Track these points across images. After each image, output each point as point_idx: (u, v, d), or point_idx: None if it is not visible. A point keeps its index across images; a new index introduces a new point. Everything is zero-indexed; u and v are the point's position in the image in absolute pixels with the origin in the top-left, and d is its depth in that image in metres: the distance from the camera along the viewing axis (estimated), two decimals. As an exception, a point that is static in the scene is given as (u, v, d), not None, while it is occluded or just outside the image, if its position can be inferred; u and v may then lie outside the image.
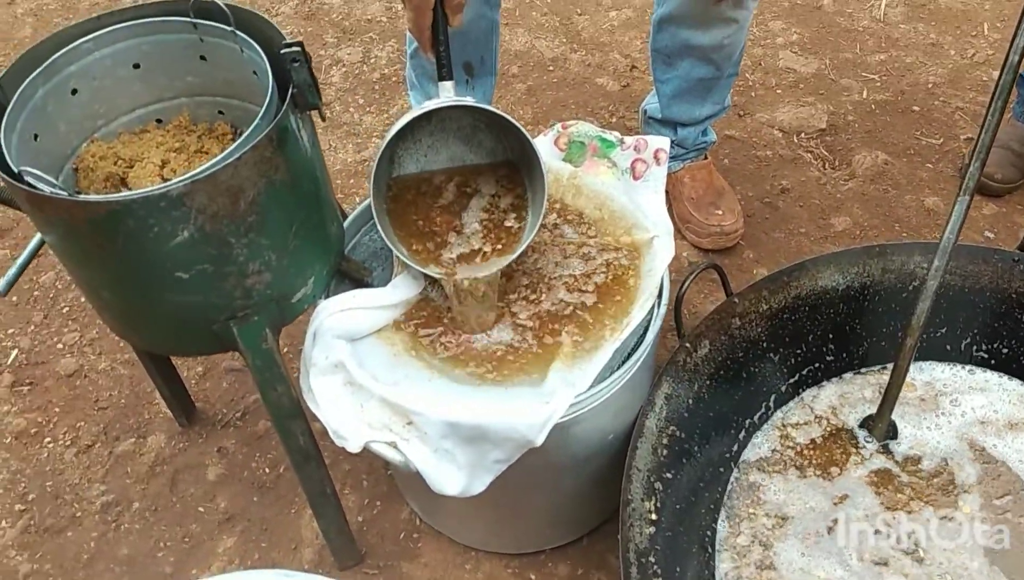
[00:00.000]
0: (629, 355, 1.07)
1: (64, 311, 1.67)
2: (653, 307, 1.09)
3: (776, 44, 2.14)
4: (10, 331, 1.64)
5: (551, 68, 2.14)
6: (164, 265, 0.87)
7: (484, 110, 1.06)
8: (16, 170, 0.83)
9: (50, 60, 0.95)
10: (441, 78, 1.07)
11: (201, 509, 1.37)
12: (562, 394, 0.97)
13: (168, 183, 0.81)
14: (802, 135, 1.91)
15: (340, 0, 2.39)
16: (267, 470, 1.42)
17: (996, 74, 2.01)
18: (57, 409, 1.51)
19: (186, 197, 0.81)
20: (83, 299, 1.68)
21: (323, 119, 0.97)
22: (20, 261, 0.96)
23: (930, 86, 2.01)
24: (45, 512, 1.38)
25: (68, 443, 1.47)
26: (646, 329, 1.08)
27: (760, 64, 2.08)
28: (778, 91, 2.02)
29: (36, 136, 0.95)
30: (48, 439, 1.47)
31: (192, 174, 0.81)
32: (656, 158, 1.24)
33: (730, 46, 1.51)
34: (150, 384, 1.53)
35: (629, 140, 1.25)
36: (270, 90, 0.91)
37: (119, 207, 0.80)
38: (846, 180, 1.81)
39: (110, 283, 0.92)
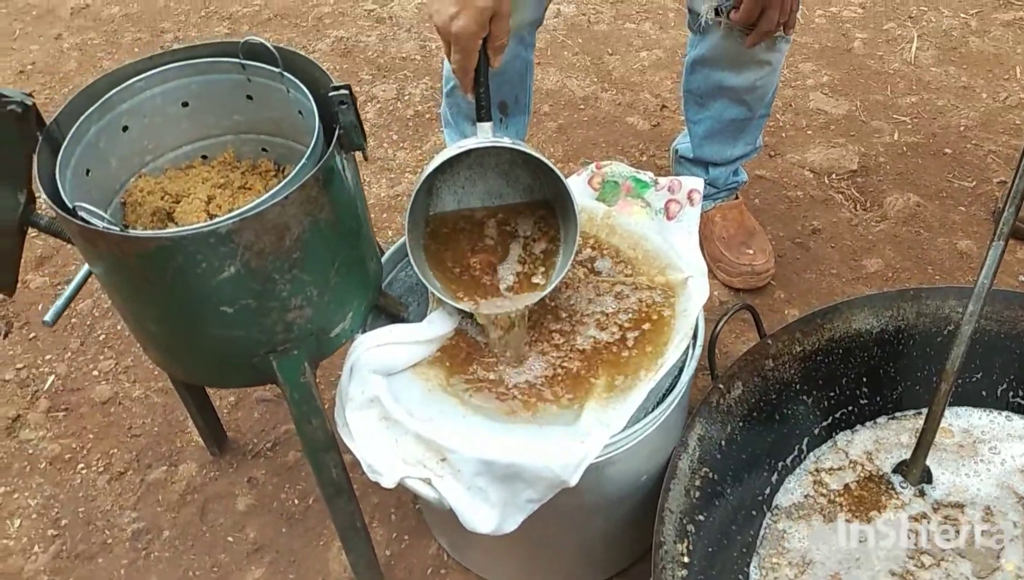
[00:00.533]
0: (663, 395, 1.06)
1: (100, 338, 1.69)
2: (688, 348, 1.09)
3: (807, 85, 2.15)
4: (47, 357, 1.67)
5: (582, 107, 2.16)
6: (210, 300, 0.89)
7: (521, 152, 1.07)
8: (71, 205, 0.85)
9: (104, 98, 0.99)
10: (480, 119, 1.09)
11: (230, 539, 1.38)
12: (597, 434, 0.97)
13: (217, 220, 0.83)
14: (833, 176, 1.91)
15: (376, 39, 2.44)
16: (296, 501, 1.42)
17: (1030, 118, 2.02)
18: (91, 435, 1.53)
19: (234, 234, 0.83)
20: (120, 326, 1.71)
21: (366, 159, 0.99)
22: (68, 293, 0.98)
23: (962, 129, 2.00)
24: (77, 538, 1.39)
25: (101, 470, 1.48)
26: (681, 370, 1.08)
27: (791, 105, 2.10)
28: (809, 132, 2.02)
29: (88, 171, 0.98)
30: (81, 465, 1.49)
31: (241, 212, 0.83)
32: (690, 199, 1.25)
33: (763, 88, 1.52)
34: (183, 413, 1.55)
35: (663, 181, 1.26)
36: (316, 130, 0.93)
37: (169, 243, 0.83)
38: (878, 222, 1.80)
39: (156, 316, 0.94)
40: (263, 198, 0.85)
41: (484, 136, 1.08)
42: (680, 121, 2.08)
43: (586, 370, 1.08)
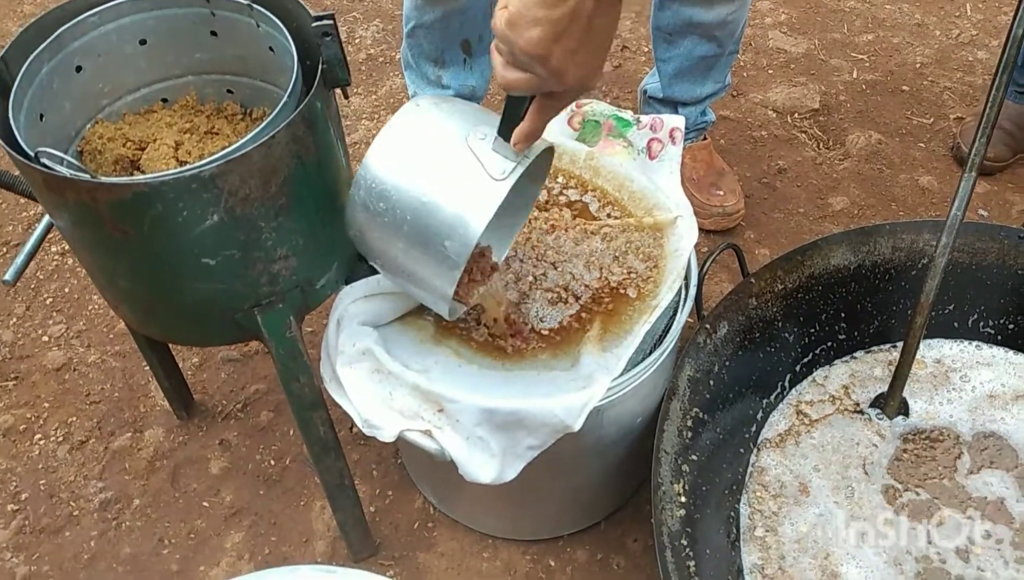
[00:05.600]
0: (659, 337, 1.05)
1: (48, 302, 1.59)
2: (680, 289, 1.08)
3: (766, 24, 2.14)
4: (-9, 324, 1.57)
5: (541, 48, 2.10)
6: (191, 251, 0.83)
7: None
8: (31, 152, 0.77)
9: (55, 35, 0.90)
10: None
11: (206, 504, 1.33)
12: (599, 378, 0.95)
13: (199, 164, 0.77)
14: (796, 115, 1.91)
15: (321, -22, 2.32)
16: (272, 462, 1.38)
17: (981, 54, 2.05)
18: (47, 404, 1.45)
19: (218, 179, 0.77)
20: (67, 289, 1.61)
21: (347, 97, 0.93)
22: (28, 248, 0.91)
23: (918, 66, 2.02)
24: (40, 511, 1.32)
25: (60, 439, 1.41)
26: (674, 310, 1.07)
27: (751, 44, 2.08)
28: (770, 71, 2.02)
29: (42, 116, 0.90)
30: (39, 436, 1.41)
31: (225, 153, 0.77)
32: (672, 137, 1.23)
33: (733, 23, 1.49)
34: (144, 376, 1.48)
35: (645, 119, 1.24)
36: (296, 66, 0.87)
37: (147, 189, 0.76)
38: (841, 160, 1.82)
39: (130, 271, 0.88)
40: (247, 138, 0.79)
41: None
42: (642, 62, 2.04)
43: (579, 314, 1.05)
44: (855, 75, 2.00)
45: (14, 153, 0.78)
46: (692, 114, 1.65)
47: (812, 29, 2.13)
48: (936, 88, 1.96)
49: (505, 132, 0.81)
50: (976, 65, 2.02)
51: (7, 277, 0.91)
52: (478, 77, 1.59)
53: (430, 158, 0.83)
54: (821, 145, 1.85)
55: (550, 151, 0.91)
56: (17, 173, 0.96)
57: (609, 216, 1.16)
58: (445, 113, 0.85)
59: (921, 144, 1.84)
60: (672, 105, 1.65)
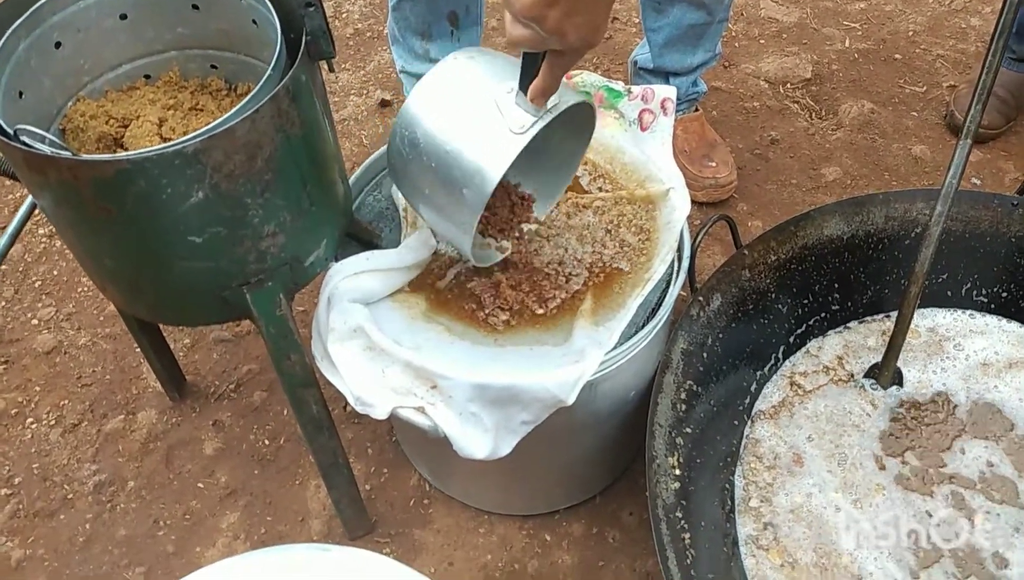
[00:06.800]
0: (652, 310, 1.04)
1: (36, 285, 1.58)
2: (673, 261, 1.07)
3: (757, -7, 2.12)
4: (-22, 308, 1.55)
5: (530, 21, 2.08)
6: (176, 229, 0.81)
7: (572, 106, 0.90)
8: (11, 130, 0.76)
9: (32, 9, 0.88)
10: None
11: (200, 485, 1.33)
12: (591, 352, 0.95)
13: (182, 139, 0.75)
14: (788, 85, 1.89)
15: (305, -48, 2.28)
16: (267, 442, 1.37)
17: (974, 21, 2.03)
18: (38, 388, 1.44)
19: (202, 154, 0.76)
20: (56, 272, 1.59)
21: (331, 70, 0.92)
22: (11, 230, 0.89)
23: (910, 34, 2.01)
24: (34, 495, 1.32)
25: (52, 423, 1.40)
26: (668, 282, 1.06)
27: (742, 14, 2.06)
28: (761, 41, 2.00)
29: (21, 93, 0.88)
30: (31, 419, 1.40)
31: (208, 129, 0.76)
32: (663, 108, 1.21)
33: None
34: (135, 358, 1.47)
35: (636, 89, 1.22)
36: (279, 39, 0.85)
37: (130, 166, 0.74)
38: (834, 130, 1.80)
39: (114, 250, 0.86)
40: (231, 113, 0.77)
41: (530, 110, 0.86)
42: (632, 33, 2.02)
43: (571, 288, 1.05)
44: (847, 44, 1.98)
45: (-7, 131, 0.77)
46: (683, 84, 1.63)
47: (804, -2, 2.11)
48: (929, 56, 1.95)
49: (524, 87, 0.84)
50: (969, 32, 2.00)
51: (-10, 259, 0.90)
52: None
53: (456, 110, 0.88)
54: (813, 115, 1.84)
55: (583, 106, 0.92)
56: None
57: (600, 189, 1.15)
58: (478, 66, 0.90)
59: (914, 113, 1.83)
60: (663, 75, 1.63)
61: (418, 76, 1.59)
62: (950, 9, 2.07)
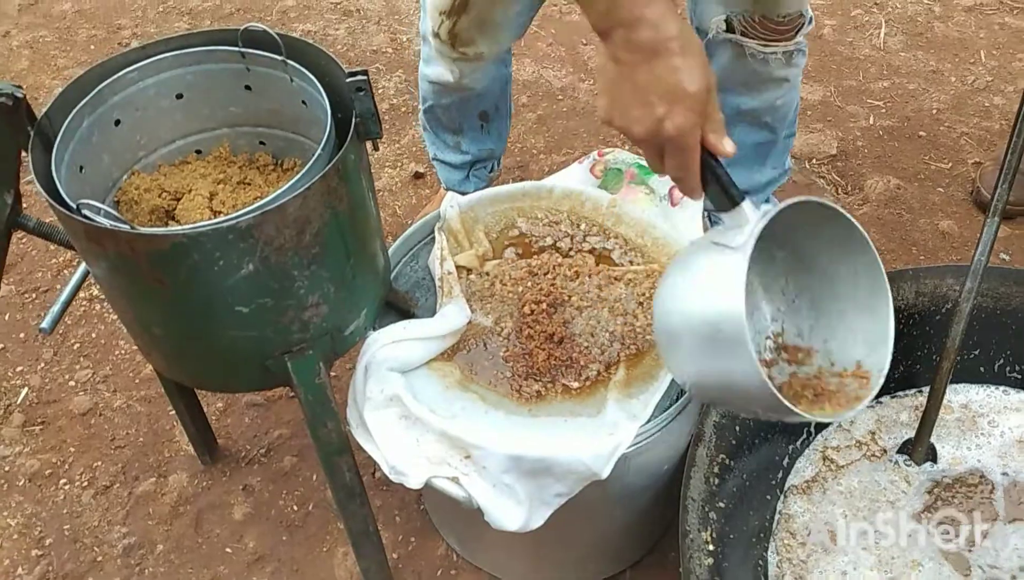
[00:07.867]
0: (684, 383, 1.05)
1: (75, 347, 1.62)
2: (705, 334, 1.08)
3: (781, 72, 2.17)
4: (19, 369, 1.58)
5: (560, 97, 2.14)
6: (225, 300, 0.84)
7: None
8: (73, 203, 0.80)
9: (95, 90, 0.93)
10: (735, 202, 0.76)
11: (228, 550, 1.33)
12: (625, 425, 0.96)
13: (235, 214, 0.79)
14: (814, 160, 1.92)
15: (344, 32, 2.38)
16: (295, 508, 1.38)
17: (997, 100, 2.06)
18: (72, 449, 1.46)
19: (255, 229, 0.79)
20: (95, 334, 1.63)
21: (376, 149, 0.96)
22: (64, 296, 0.93)
23: (934, 112, 2.04)
24: (64, 557, 1.32)
25: (85, 484, 1.41)
26: (700, 356, 1.07)
27: (767, 91, 2.11)
28: (787, 118, 2.04)
29: (81, 168, 0.92)
30: (64, 481, 1.42)
31: (261, 205, 0.79)
32: (693, 184, 1.24)
33: (784, 107, 1.42)
34: (168, 421, 1.49)
35: (667, 166, 1.25)
36: (329, 120, 0.89)
37: (185, 240, 0.78)
38: (860, 204, 1.82)
39: (164, 319, 0.89)
40: (283, 190, 0.81)
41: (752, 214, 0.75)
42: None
43: (604, 360, 1.06)
44: (872, 121, 2.02)
45: (56, 205, 0.80)
46: (758, 201, 1.57)
47: (828, 76, 2.16)
48: (953, 133, 1.98)
49: (717, 204, 0.75)
50: (993, 110, 2.03)
51: (44, 325, 0.93)
52: (496, 140, 1.61)
53: (684, 279, 0.81)
54: (840, 190, 1.86)
55: (800, 206, 0.77)
56: (48, 221, 0.99)
57: (632, 262, 1.17)
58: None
59: (940, 189, 1.85)
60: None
61: (449, 164, 1.63)
62: (973, 88, 2.10)
